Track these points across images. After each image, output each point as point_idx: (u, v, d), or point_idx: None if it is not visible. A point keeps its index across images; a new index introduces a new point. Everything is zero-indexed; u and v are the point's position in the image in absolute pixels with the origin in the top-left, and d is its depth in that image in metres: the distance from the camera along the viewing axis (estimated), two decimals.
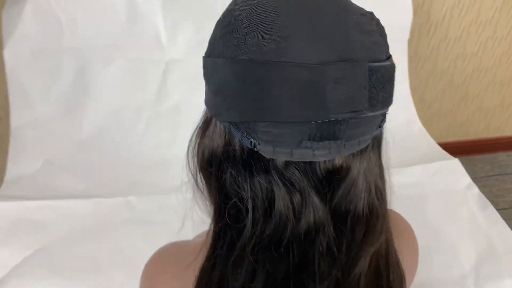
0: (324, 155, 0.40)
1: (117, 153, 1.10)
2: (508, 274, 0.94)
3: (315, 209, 0.44)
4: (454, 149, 2.17)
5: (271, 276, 0.46)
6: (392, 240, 0.56)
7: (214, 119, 0.46)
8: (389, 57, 0.43)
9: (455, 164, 1.17)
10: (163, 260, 0.62)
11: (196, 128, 0.49)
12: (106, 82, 1.14)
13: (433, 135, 2.07)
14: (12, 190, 1.01)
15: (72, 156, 1.10)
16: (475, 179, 1.14)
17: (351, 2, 0.44)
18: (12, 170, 1.05)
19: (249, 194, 0.44)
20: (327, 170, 0.42)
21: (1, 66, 1.12)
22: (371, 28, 0.42)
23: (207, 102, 0.46)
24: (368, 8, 1.26)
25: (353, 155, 0.43)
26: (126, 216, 0.99)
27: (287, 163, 0.42)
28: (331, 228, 0.45)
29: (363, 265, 0.48)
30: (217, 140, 0.46)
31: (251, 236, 0.45)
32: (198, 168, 0.50)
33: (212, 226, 0.50)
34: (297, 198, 0.43)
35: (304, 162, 0.42)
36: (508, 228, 1.02)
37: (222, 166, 0.45)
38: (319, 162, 0.42)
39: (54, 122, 1.12)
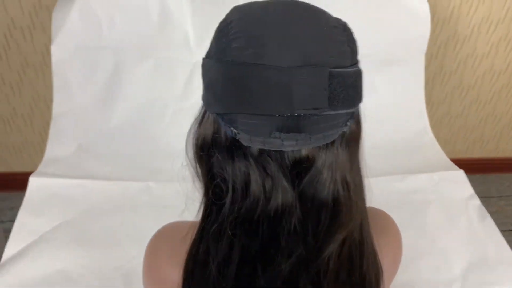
0: (291, 146, 0.47)
1: (142, 142, 1.22)
2: (497, 283, 0.97)
3: (284, 192, 0.51)
4: (481, 165, 2.16)
5: (246, 249, 0.54)
6: (369, 232, 0.62)
7: (207, 112, 0.55)
8: (354, 64, 0.50)
9: (459, 175, 1.21)
10: (162, 237, 0.73)
11: (195, 119, 0.58)
12: (137, 78, 1.27)
13: (457, 150, 2.08)
14: (48, 168, 1.15)
15: (102, 142, 1.23)
16: (500, 197, 1.17)
17: (327, 16, 0.51)
18: (50, 151, 1.19)
19: (230, 176, 0.51)
20: (294, 159, 0.49)
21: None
22: (339, 39, 0.49)
23: (202, 96, 0.55)
24: (386, 20, 1.38)
25: (319, 148, 0.50)
26: (145, 199, 1.10)
27: (261, 151, 0.50)
28: (298, 210, 0.52)
29: (332, 249, 0.55)
30: (208, 129, 0.54)
31: (230, 212, 0.53)
32: (193, 152, 0.59)
33: (203, 204, 0.60)
34: (268, 181, 0.51)
35: (275, 151, 0.49)
36: (504, 240, 1.05)
37: (210, 151, 0.53)
38: (287, 151, 0.49)
39: (89, 111, 1.25)
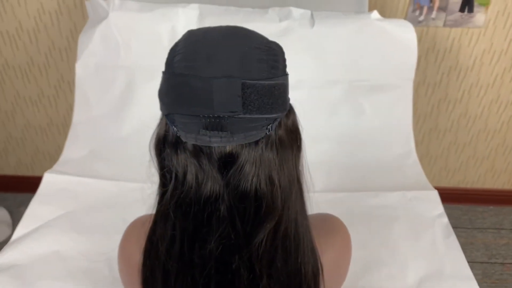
0: (217, 142, 0.58)
1: (145, 150, 1.37)
2: None
3: (213, 181, 0.61)
4: (494, 197, 2.14)
5: (184, 229, 0.66)
6: (307, 229, 0.72)
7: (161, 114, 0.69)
8: (272, 77, 0.62)
9: (432, 194, 1.26)
10: (133, 226, 0.89)
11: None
12: (147, 95, 1.43)
13: (468, 180, 2.09)
14: (62, 168, 1.33)
15: (110, 148, 1.40)
16: None
17: (255, 40, 0.64)
18: (66, 154, 1.38)
19: (174, 167, 0.64)
20: (220, 154, 0.60)
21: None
22: (257, 57, 0.62)
23: None
24: (376, 50, 1.57)
25: (243, 145, 0.60)
26: (137, 198, 1.24)
27: (195, 146, 0.63)
28: (226, 198, 0.64)
29: (262, 237, 0.65)
30: (161, 128, 0.68)
31: (171, 197, 0.65)
32: (153, 148, 0.71)
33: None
34: (201, 172, 0.62)
35: (205, 146, 0.60)
36: (464, 258, 1.09)
37: (163, 146, 0.66)
38: (215, 147, 0.60)
39: (103, 121, 1.43)
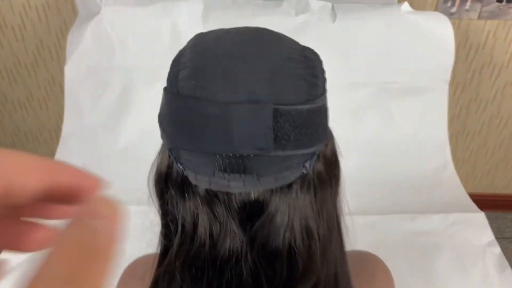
0: (238, 187, 0.43)
1: (144, 167, 1.21)
2: None
3: (232, 237, 0.47)
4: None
5: None
6: (348, 283, 0.57)
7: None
8: (312, 99, 0.45)
9: (479, 217, 1.09)
10: (126, 278, 0.71)
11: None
12: (146, 101, 1.26)
13: (496, 184, 1.92)
14: None
15: (105, 164, 1.23)
16: None
17: (286, 46, 0.47)
18: None
19: (180, 215, 0.48)
20: (243, 202, 0.45)
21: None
22: (293, 72, 0.45)
23: None
24: (407, 47, 1.30)
25: (272, 191, 0.45)
26: (138, 222, 1.08)
27: (208, 191, 0.46)
28: (250, 259, 0.48)
29: None
30: (163, 162, 0.51)
31: (177, 255, 0.50)
32: (153, 184, 0.56)
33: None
34: (216, 224, 0.47)
35: (222, 192, 0.45)
36: None
37: (165, 185, 0.50)
38: (234, 193, 0.45)
39: (96, 132, 1.26)
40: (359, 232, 0.80)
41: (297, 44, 0.50)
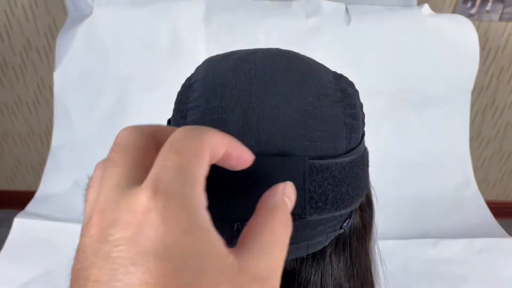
0: None
1: None
2: None
3: None
4: None
5: None
6: None
7: None
8: (353, 148, 0.36)
9: (508, 244, 0.99)
10: None
11: None
12: (144, 110, 1.16)
13: (509, 191, 1.84)
14: (38, 208, 1.05)
15: None
16: None
17: (317, 77, 0.37)
18: (44, 187, 1.10)
19: None
20: None
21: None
22: (330, 113, 0.35)
23: None
24: (427, 53, 1.15)
25: (303, 259, 0.37)
26: None
27: None
28: None
29: None
30: None
31: None
32: None
33: None
34: None
35: None
36: None
37: None
38: None
39: (90, 144, 1.15)
40: (376, 259, 0.72)
41: (328, 71, 0.41)
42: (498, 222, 1.91)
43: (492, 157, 1.76)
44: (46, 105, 1.64)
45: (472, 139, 1.71)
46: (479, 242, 1.00)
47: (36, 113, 1.69)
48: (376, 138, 1.16)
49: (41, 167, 1.81)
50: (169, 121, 0.40)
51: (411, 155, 1.15)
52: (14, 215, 1.00)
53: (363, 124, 0.41)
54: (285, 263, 0.37)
